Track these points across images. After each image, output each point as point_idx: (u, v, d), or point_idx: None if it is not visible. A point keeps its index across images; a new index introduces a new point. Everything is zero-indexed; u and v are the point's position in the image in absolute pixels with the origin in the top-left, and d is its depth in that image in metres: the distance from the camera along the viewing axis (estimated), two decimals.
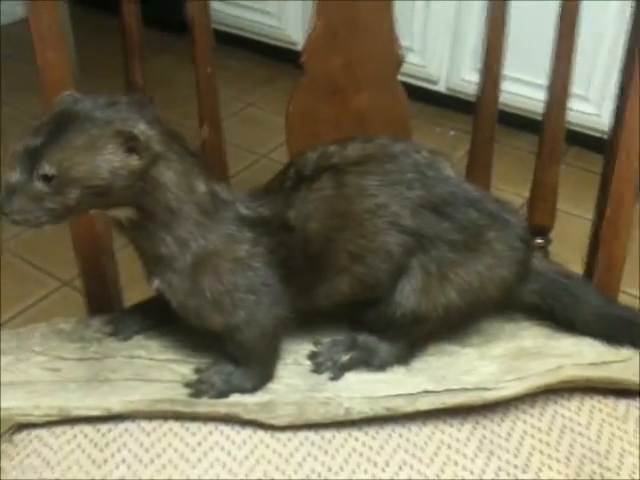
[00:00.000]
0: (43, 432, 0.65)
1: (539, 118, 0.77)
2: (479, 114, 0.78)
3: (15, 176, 0.51)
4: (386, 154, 0.59)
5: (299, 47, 2.48)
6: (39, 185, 0.51)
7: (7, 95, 2.11)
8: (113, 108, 0.53)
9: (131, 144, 0.51)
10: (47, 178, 0.51)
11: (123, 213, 0.56)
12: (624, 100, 0.71)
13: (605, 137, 1.57)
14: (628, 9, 1.44)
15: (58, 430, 0.64)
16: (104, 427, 0.64)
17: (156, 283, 0.60)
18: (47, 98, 0.67)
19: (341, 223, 0.58)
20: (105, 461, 0.62)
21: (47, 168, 0.50)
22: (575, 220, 1.37)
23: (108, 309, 0.75)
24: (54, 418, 0.64)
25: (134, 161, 0.52)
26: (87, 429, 0.64)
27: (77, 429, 0.64)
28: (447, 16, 1.97)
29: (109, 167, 0.51)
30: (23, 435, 0.65)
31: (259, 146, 1.98)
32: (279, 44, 2.36)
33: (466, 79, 2.02)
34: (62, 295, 1.55)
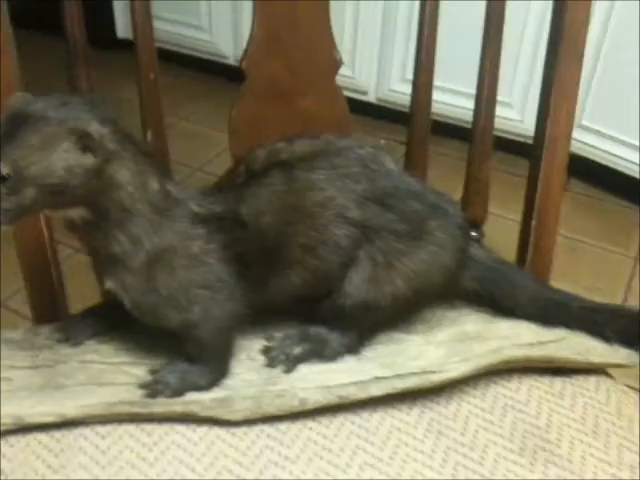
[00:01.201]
0: None
1: (466, 125, 0.81)
2: (413, 124, 0.81)
3: None
4: (332, 149, 0.62)
5: (231, 60, 2.53)
6: None
7: None
8: (66, 107, 0.53)
9: (85, 142, 0.52)
10: (2, 178, 0.51)
11: (77, 213, 0.56)
12: (547, 98, 0.76)
13: (529, 142, 1.65)
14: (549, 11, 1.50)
15: (13, 439, 0.64)
16: (58, 433, 0.64)
17: (109, 284, 0.60)
18: None
19: (292, 216, 0.60)
20: (62, 466, 0.61)
21: (2, 168, 0.51)
22: (501, 221, 1.44)
23: (54, 319, 0.75)
24: (8, 427, 0.63)
25: (88, 159, 0.53)
26: (41, 436, 0.64)
27: (30, 437, 0.64)
28: (374, 29, 2.04)
29: (64, 165, 0.52)
30: None
31: (192, 159, 1.98)
32: (211, 58, 2.38)
33: (395, 89, 2.08)
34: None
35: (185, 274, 0.59)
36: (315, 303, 0.66)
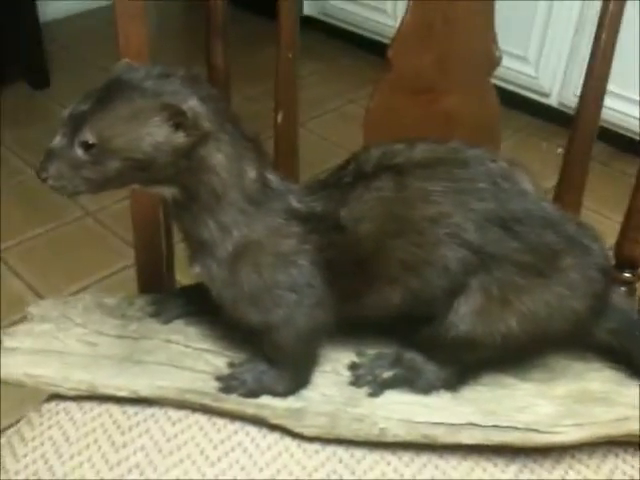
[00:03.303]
0: (71, 405, 0.63)
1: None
2: (577, 130, 0.71)
3: (56, 141, 0.49)
4: (457, 159, 0.54)
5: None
6: (79, 152, 0.49)
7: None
8: (165, 80, 0.50)
9: (178, 119, 0.48)
10: (87, 146, 0.49)
11: (166, 191, 0.53)
12: None
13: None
14: None
15: (86, 406, 0.63)
16: (131, 410, 0.63)
17: (197, 269, 0.57)
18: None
19: (397, 228, 0.53)
20: (124, 445, 0.60)
21: (87, 135, 0.48)
22: None
23: (159, 289, 0.74)
24: (82, 393, 0.62)
25: (180, 138, 0.49)
26: (114, 409, 0.63)
27: (104, 407, 0.63)
28: (566, 30, 1.87)
29: (152, 141, 0.49)
30: (52, 405, 0.64)
31: (355, 144, 1.94)
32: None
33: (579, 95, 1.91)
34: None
35: (271, 273, 0.54)
36: (415, 326, 0.59)
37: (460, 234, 0.53)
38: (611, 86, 0.72)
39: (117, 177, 0.50)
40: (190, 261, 0.58)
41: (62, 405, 0.63)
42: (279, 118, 0.75)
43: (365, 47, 2.35)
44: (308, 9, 2.56)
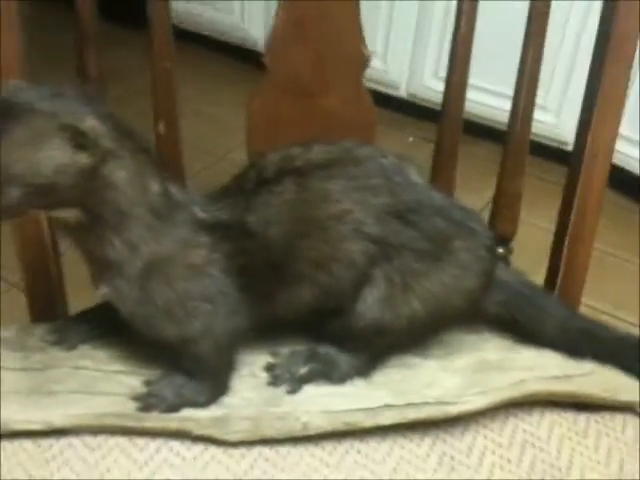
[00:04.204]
0: None
1: (498, 127, 0.76)
2: (444, 122, 0.76)
3: None
4: (351, 158, 0.57)
5: (260, 47, 2.47)
6: None
7: None
8: (59, 99, 0.49)
9: (79, 140, 0.48)
10: None
11: (69, 214, 0.52)
12: (590, 108, 0.70)
13: (562, 147, 1.57)
14: (591, 13, 1.42)
15: None
16: (45, 442, 0.60)
17: (103, 290, 0.56)
18: None
19: (304, 229, 0.55)
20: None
21: None
22: (531, 228, 1.38)
23: (52, 316, 0.72)
24: None
25: (83, 159, 0.48)
26: (27, 444, 0.60)
27: (17, 444, 0.60)
28: (409, 22, 1.97)
29: (53, 164, 0.48)
30: None
31: (217, 147, 1.94)
32: (242, 44, 2.33)
33: (427, 85, 2.02)
34: (10, 298, 1.49)
35: (184, 285, 0.55)
36: (325, 320, 0.62)
37: (362, 228, 0.56)
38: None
39: (18, 205, 0.48)
40: (95, 282, 0.57)
41: None
42: (161, 128, 0.75)
43: (215, 49, 2.35)
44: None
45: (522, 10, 0.74)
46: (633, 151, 1.77)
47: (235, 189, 0.58)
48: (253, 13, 2.30)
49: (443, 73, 2.09)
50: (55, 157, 0.48)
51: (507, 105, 0.76)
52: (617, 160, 1.77)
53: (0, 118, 0.47)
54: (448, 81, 0.76)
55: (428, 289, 0.58)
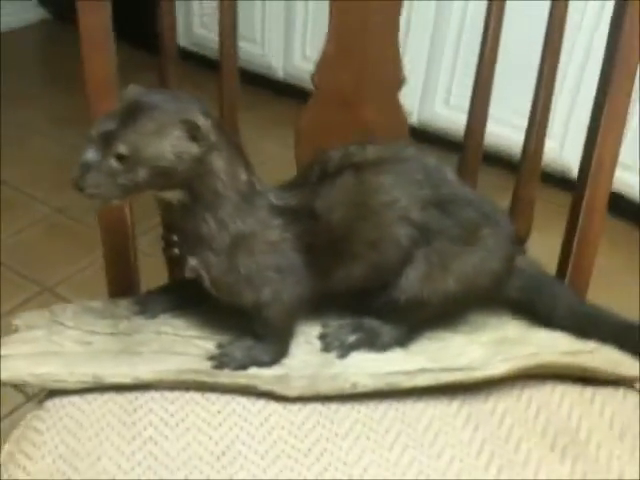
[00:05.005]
0: (74, 399, 0.70)
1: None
2: (466, 154, 0.87)
3: (90, 156, 0.58)
4: (399, 157, 0.68)
5: (280, 74, 2.67)
6: (113, 163, 0.58)
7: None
8: (177, 100, 0.61)
9: (193, 132, 0.59)
10: (121, 157, 0.58)
11: (174, 195, 0.63)
12: (596, 124, 0.82)
13: (565, 174, 1.69)
14: (595, 44, 1.56)
15: (89, 397, 0.70)
16: (131, 395, 0.71)
17: (192, 262, 0.67)
18: (92, 96, 0.75)
19: (360, 214, 0.66)
20: (134, 423, 0.68)
21: (122, 148, 0.58)
22: (538, 247, 1.48)
23: (128, 293, 0.82)
24: (87, 385, 0.70)
25: (194, 148, 0.60)
26: (116, 397, 0.70)
27: (107, 396, 0.70)
28: (422, 52, 2.11)
29: (174, 151, 0.59)
30: (54, 402, 0.71)
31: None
32: (261, 71, 2.47)
33: (438, 113, 2.15)
34: (43, 301, 1.61)
35: (262, 258, 0.66)
36: (372, 295, 0.72)
37: (407, 215, 0.67)
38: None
39: (143, 183, 0.60)
40: (184, 256, 0.68)
41: (65, 400, 0.70)
42: None
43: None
44: (183, 41, 2.66)
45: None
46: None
47: (302, 181, 0.69)
48: (273, 43, 2.44)
49: (454, 101, 2.23)
50: (175, 145, 0.59)
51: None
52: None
53: (133, 113, 0.59)
54: (471, 113, 0.86)
55: (461, 269, 0.69)
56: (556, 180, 1.93)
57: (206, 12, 2.45)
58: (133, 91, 0.61)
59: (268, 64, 2.43)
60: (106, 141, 0.58)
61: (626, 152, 1.67)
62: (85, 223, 1.85)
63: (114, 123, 0.59)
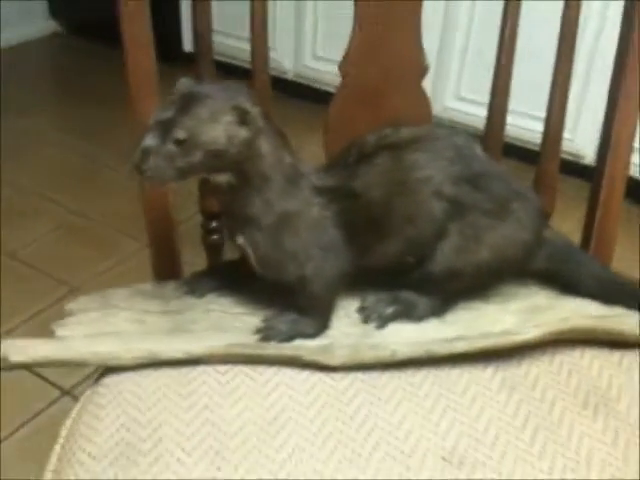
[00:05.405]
0: (130, 374, 0.74)
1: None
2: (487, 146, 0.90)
3: (149, 142, 0.63)
4: (432, 136, 0.73)
5: (290, 76, 2.74)
6: (172, 147, 0.63)
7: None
8: (228, 89, 0.66)
9: (243, 118, 0.64)
10: (179, 142, 0.63)
11: (224, 177, 0.68)
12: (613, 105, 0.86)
13: (578, 160, 1.73)
14: (605, 28, 1.60)
15: (144, 372, 0.74)
16: (184, 369, 0.75)
17: (240, 240, 0.71)
18: (135, 96, 0.80)
19: (397, 190, 0.71)
20: (190, 394, 0.72)
21: (180, 133, 0.63)
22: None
23: (172, 277, 0.87)
24: (142, 361, 0.74)
25: (244, 132, 0.65)
26: (169, 371, 0.74)
27: (161, 371, 0.74)
28: (433, 48, 2.16)
29: (227, 135, 0.64)
30: (111, 379, 0.75)
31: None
32: (272, 73, 2.52)
33: (449, 106, 2.19)
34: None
35: (306, 235, 0.70)
36: (406, 272, 0.76)
37: (442, 190, 0.71)
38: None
39: (199, 165, 0.64)
40: (232, 235, 0.72)
41: (121, 376, 0.74)
42: None
43: (245, 78, 2.53)
44: (189, 46, 2.71)
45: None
46: None
47: (341, 162, 0.73)
48: (284, 44, 2.49)
49: (464, 94, 2.27)
50: (228, 130, 0.64)
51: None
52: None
53: (188, 102, 0.64)
54: (490, 106, 0.90)
55: (493, 240, 0.73)
56: (569, 168, 1.97)
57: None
58: (186, 83, 0.66)
59: (279, 65, 2.48)
60: (165, 128, 0.63)
61: None
62: (106, 226, 1.92)
63: (171, 112, 0.63)
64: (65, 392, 1.49)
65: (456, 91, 2.17)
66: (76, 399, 0.78)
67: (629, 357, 0.80)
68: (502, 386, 0.75)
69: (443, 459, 0.67)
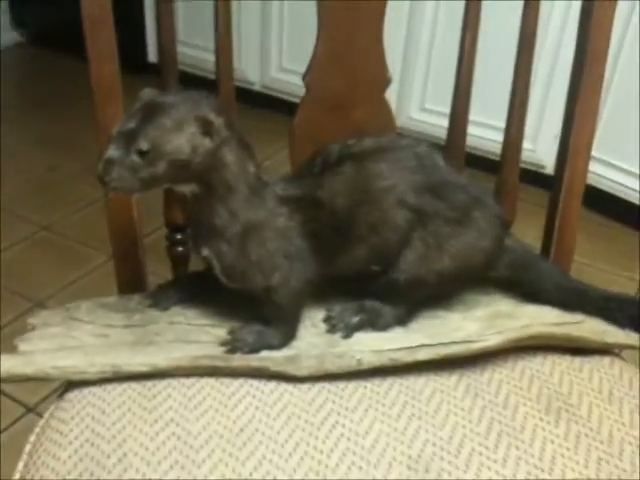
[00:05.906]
0: (94, 389, 0.74)
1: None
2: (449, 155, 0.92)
3: (112, 152, 0.62)
4: (395, 146, 0.74)
5: (257, 87, 2.75)
6: (135, 158, 0.63)
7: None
8: (191, 99, 0.65)
9: (207, 128, 0.64)
10: (142, 153, 0.62)
11: (188, 188, 0.68)
12: (570, 116, 0.88)
13: (539, 170, 1.76)
14: (564, 41, 1.63)
15: (108, 387, 0.74)
16: (149, 383, 0.74)
17: (205, 252, 0.71)
18: (100, 105, 0.79)
19: (361, 199, 0.71)
20: (155, 408, 0.72)
21: (143, 144, 0.62)
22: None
23: (137, 291, 0.86)
24: (107, 375, 0.73)
25: (208, 143, 0.65)
26: (134, 385, 0.74)
27: (125, 385, 0.74)
28: (397, 56, 2.18)
29: (191, 145, 0.64)
30: (75, 393, 0.74)
31: None
32: (237, 84, 2.52)
33: (413, 117, 2.22)
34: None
35: (271, 244, 0.70)
36: (371, 280, 0.77)
37: (404, 199, 0.72)
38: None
39: (163, 176, 0.64)
40: (197, 247, 0.72)
41: (85, 391, 0.74)
42: None
43: (210, 89, 2.53)
44: (154, 56, 2.70)
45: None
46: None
47: (305, 172, 0.74)
48: (250, 55, 2.50)
49: (429, 105, 2.30)
50: (191, 140, 0.64)
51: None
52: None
53: (151, 113, 0.64)
54: (452, 115, 0.91)
55: (455, 248, 0.74)
56: (530, 178, 2.01)
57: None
58: (149, 93, 0.66)
59: (245, 76, 2.48)
60: (128, 138, 0.62)
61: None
62: (71, 239, 1.90)
63: (134, 122, 0.63)
64: (29, 409, 1.46)
65: (420, 103, 2.20)
66: (41, 416, 0.77)
67: (590, 363, 0.82)
68: (466, 393, 0.76)
69: (408, 468, 0.68)
